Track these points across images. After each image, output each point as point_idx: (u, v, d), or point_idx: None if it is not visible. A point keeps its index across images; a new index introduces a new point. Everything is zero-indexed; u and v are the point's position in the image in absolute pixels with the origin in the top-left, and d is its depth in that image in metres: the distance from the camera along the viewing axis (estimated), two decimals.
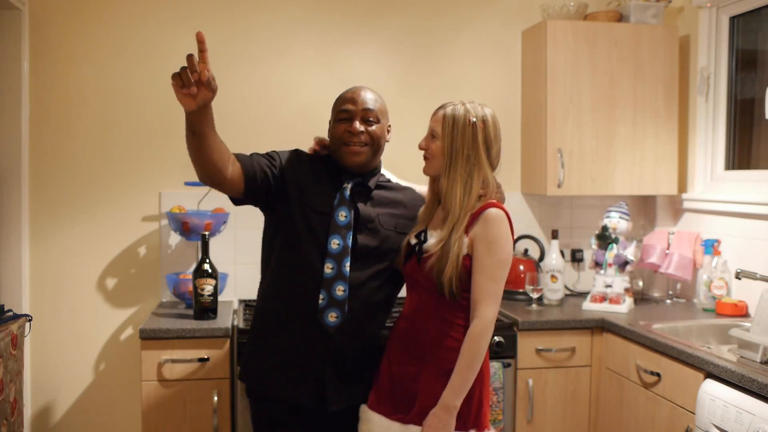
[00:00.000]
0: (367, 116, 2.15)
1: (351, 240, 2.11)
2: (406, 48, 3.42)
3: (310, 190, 2.16)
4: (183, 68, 1.84)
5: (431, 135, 2.08)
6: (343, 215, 2.12)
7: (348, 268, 2.09)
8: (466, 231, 1.99)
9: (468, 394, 1.96)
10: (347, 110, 2.16)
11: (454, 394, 1.93)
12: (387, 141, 2.25)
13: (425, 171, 2.12)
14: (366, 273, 2.12)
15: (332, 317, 2.08)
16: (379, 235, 2.15)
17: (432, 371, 2.00)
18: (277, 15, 3.30)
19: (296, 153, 2.25)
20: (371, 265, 2.14)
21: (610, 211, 3.20)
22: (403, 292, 2.25)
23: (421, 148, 2.11)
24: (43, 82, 3.14)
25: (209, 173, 1.99)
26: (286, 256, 2.15)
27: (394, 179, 2.35)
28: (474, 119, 2.03)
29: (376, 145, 2.18)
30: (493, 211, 2.00)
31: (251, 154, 2.14)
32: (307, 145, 2.23)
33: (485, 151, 2.03)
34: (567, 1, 3.30)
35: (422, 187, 2.34)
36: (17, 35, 3.05)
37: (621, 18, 3.36)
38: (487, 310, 1.95)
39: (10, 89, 3.05)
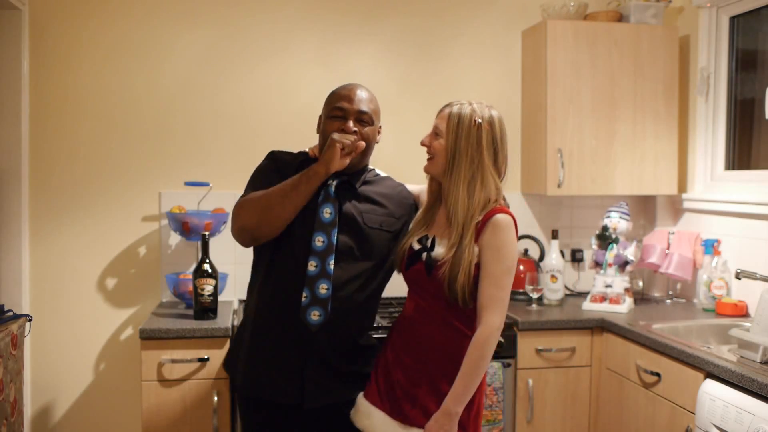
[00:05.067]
0: (362, 117, 2.12)
1: (336, 238, 2.08)
2: (406, 48, 3.42)
3: None
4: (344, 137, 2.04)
5: (435, 133, 2.05)
6: (327, 212, 2.09)
7: (332, 267, 2.06)
8: (476, 239, 1.96)
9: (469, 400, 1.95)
10: (342, 108, 2.12)
11: (456, 400, 1.92)
12: (377, 142, 2.22)
13: (426, 169, 2.08)
14: (349, 272, 2.09)
15: (315, 315, 2.05)
16: (362, 233, 2.12)
17: (436, 376, 1.99)
18: (277, 15, 3.30)
19: (274, 162, 2.22)
20: (354, 264, 2.11)
21: (611, 211, 3.20)
22: (394, 292, 2.23)
23: (423, 144, 2.08)
24: (43, 82, 3.14)
25: (277, 229, 2.06)
26: (273, 254, 2.14)
27: (382, 173, 2.32)
28: (480, 120, 1.99)
29: (366, 146, 2.15)
30: (500, 216, 1.97)
31: (266, 185, 2.15)
32: (305, 143, 2.23)
33: (491, 155, 2.00)
34: (567, 1, 3.30)
35: (415, 186, 2.32)
36: (17, 35, 3.05)
37: (621, 18, 3.36)
38: (493, 318, 1.93)
39: (10, 89, 3.05)
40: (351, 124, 2.11)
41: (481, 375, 1.94)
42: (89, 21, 3.17)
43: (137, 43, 3.20)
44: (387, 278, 2.22)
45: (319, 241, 2.07)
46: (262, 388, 2.11)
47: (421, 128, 3.33)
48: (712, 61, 3.27)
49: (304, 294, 2.05)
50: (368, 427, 2.05)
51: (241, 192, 3.31)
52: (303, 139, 3.30)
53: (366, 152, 2.16)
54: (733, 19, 3.23)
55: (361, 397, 2.10)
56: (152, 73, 3.22)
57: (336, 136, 2.05)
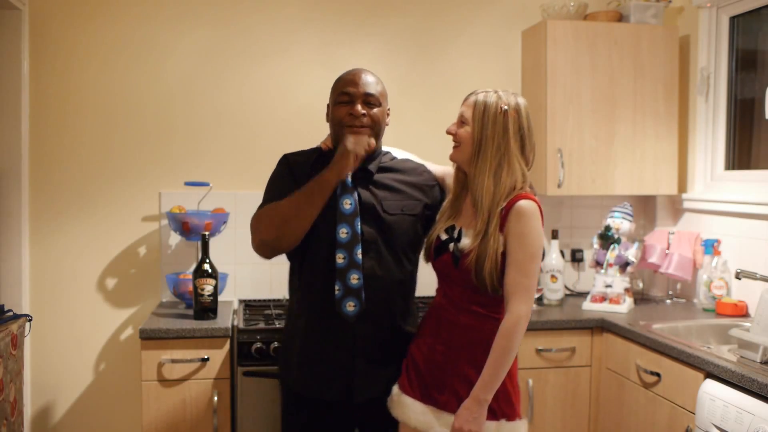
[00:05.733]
0: (369, 99, 2.14)
1: (360, 227, 2.10)
2: (406, 48, 3.42)
3: None
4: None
5: (460, 121, 2.05)
6: (348, 203, 2.10)
7: (360, 256, 2.08)
8: (501, 228, 1.96)
9: None
10: (348, 93, 2.14)
11: (484, 388, 1.93)
12: (387, 124, 2.23)
13: (452, 157, 2.08)
14: (379, 261, 2.12)
15: (350, 306, 2.08)
16: (383, 221, 2.13)
17: (462, 362, 2.00)
18: (277, 15, 3.30)
19: (287, 166, 2.22)
20: (383, 251, 2.13)
21: (614, 211, 3.20)
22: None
23: (449, 132, 2.08)
24: (43, 82, 3.14)
25: (297, 239, 2.10)
26: (302, 254, 2.17)
27: (401, 155, 2.32)
28: (506, 107, 1.99)
29: (377, 127, 2.16)
30: (523, 203, 1.96)
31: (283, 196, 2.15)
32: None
33: (517, 142, 2.00)
34: (567, 1, 3.30)
35: (438, 167, 2.32)
36: (17, 35, 3.05)
37: (621, 18, 3.36)
38: (519, 305, 1.93)
39: (10, 89, 3.05)
40: (359, 107, 2.12)
41: (509, 363, 1.95)
42: (89, 21, 3.17)
43: (137, 43, 3.20)
44: (417, 261, 2.24)
45: (343, 233, 2.09)
46: (313, 386, 2.14)
47: (421, 128, 3.35)
48: (712, 61, 3.27)
49: (336, 287, 2.08)
50: (401, 415, 2.08)
51: (241, 192, 3.33)
52: (303, 138, 3.30)
53: (378, 134, 2.18)
54: (733, 19, 3.23)
55: (395, 387, 2.12)
56: (152, 73, 3.22)
57: (350, 145, 2.05)
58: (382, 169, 2.22)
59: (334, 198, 2.11)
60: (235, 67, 3.28)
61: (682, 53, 3.40)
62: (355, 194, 2.12)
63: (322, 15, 3.33)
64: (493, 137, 1.98)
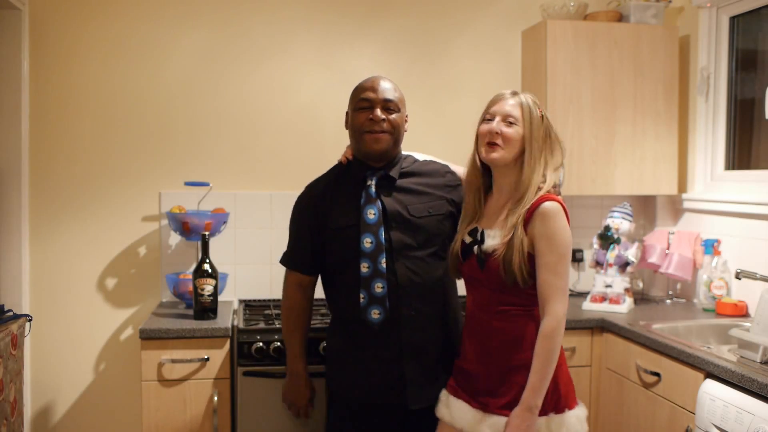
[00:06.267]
0: (388, 105, 2.17)
1: (384, 236, 2.12)
2: (406, 48, 3.42)
3: (335, 214, 2.20)
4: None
5: (508, 121, 2.04)
6: (371, 213, 2.14)
7: (384, 265, 2.11)
8: (525, 229, 1.98)
9: None
10: (368, 99, 2.17)
11: (534, 394, 1.93)
12: (405, 131, 2.26)
13: (495, 158, 2.04)
14: (412, 266, 2.14)
15: (375, 314, 2.11)
16: (411, 225, 2.16)
17: (502, 365, 2.01)
18: (277, 15, 3.30)
19: (308, 198, 2.28)
20: (415, 255, 2.15)
21: (614, 211, 3.19)
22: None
23: (495, 133, 2.03)
24: (43, 82, 3.14)
25: None
26: (331, 266, 2.23)
27: (423, 157, 2.34)
28: (541, 109, 2.08)
29: (396, 133, 2.20)
30: (548, 204, 1.99)
31: (296, 254, 2.31)
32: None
33: (550, 142, 2.08)
34: (567, 1, 3.30)
35: (461, 167, 2.33)
36: (17, 35, 3.05)
37: (621, 18, 3.36)
38: (556, 307, 1.95)
39: (10, 89, 3.05)
40: (378, 112, 2.16)
41: (553, 365, 1.95)
42: (89, 21, 3.17)
43: (138, 43, 3.20)
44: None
45: (367, 242, 2.12)
46: (365, 391, 2.17)
47: (421, 128, 3.35)
48: (712, 61, 3.27)
49: (361, 295, 2.12)
50: (446, 416, 2.09)
51: (241, 192, 3.33)
52: (304, 138, 3.31)
53: (397, 139, 2.21)
54: (733, 19, 3.23)
55: (444, 389, 2.14)
56: (153, 73, 3.22)
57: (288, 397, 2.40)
58: (405, 174, 2.24)
59: (358, 208, 2.15)
60: (235, 67, 3.28)
61: (682, 53, 3.40)
62: (378, 203, 2.15)
63: (323, 16, 3.33)
64: (538, 136, 2.05)
